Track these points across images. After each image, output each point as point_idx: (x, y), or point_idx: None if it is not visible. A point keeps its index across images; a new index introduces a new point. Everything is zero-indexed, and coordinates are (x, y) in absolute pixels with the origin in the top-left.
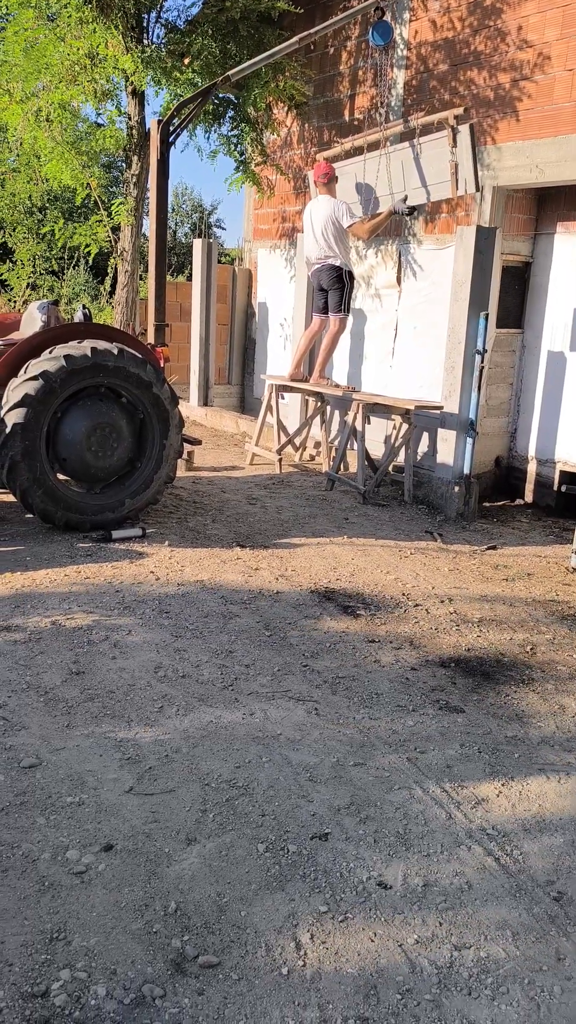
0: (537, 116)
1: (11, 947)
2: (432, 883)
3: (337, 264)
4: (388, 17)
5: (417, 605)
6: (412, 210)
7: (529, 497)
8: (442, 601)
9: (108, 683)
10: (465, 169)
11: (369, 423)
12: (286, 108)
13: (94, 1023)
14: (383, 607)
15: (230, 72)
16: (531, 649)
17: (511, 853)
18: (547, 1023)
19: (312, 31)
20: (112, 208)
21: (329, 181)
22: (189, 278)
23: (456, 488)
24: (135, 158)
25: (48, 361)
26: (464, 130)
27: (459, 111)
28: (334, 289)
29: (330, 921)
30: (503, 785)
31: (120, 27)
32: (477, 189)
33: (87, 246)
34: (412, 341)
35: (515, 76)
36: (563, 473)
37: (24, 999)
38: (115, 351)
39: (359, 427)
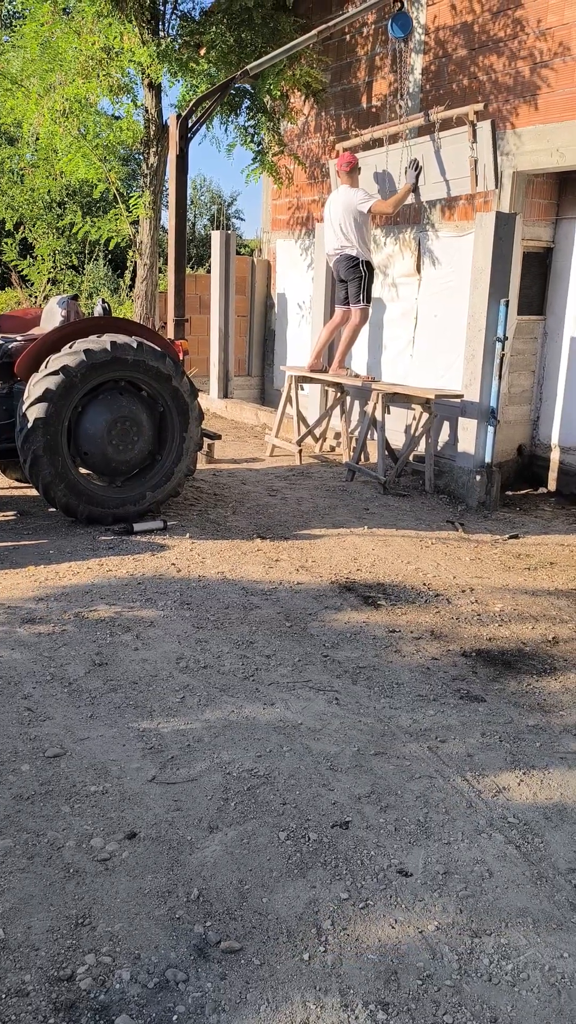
0: (558, 99)
1: (37, 932)
2: (453, 871)
3: (353, 254)
4: (406, 5)
5: (438, 595)
6: (418, 167)
7: (552, 485)
8: (463, 591)
9: (131, 674)
10: (485, 165)
11: (389, 413)
12: (303, 96)
13: (119, 1006)
14: (404, 597)
15: (249, 66)
16: (553, 638)
17: (532, 841)
18: (567, 1009)
19: (331, 24)
20: (130, 202)
21: (352, 171)
22: (209, 270)
23: (477, 477)
24: (152, 151)
25: (68, 356)
26: (484, 126)
27: (479, 106)
28: (352, 279)
29: (351, 908)
30: (524, 774)
31: (135, 20)
32: (497, 185)
33: (109, 239)
34: (432, 330)
35: (535, 60)
36: None
37: (51, 983)
38: (134, 345)
39: (379, 417)
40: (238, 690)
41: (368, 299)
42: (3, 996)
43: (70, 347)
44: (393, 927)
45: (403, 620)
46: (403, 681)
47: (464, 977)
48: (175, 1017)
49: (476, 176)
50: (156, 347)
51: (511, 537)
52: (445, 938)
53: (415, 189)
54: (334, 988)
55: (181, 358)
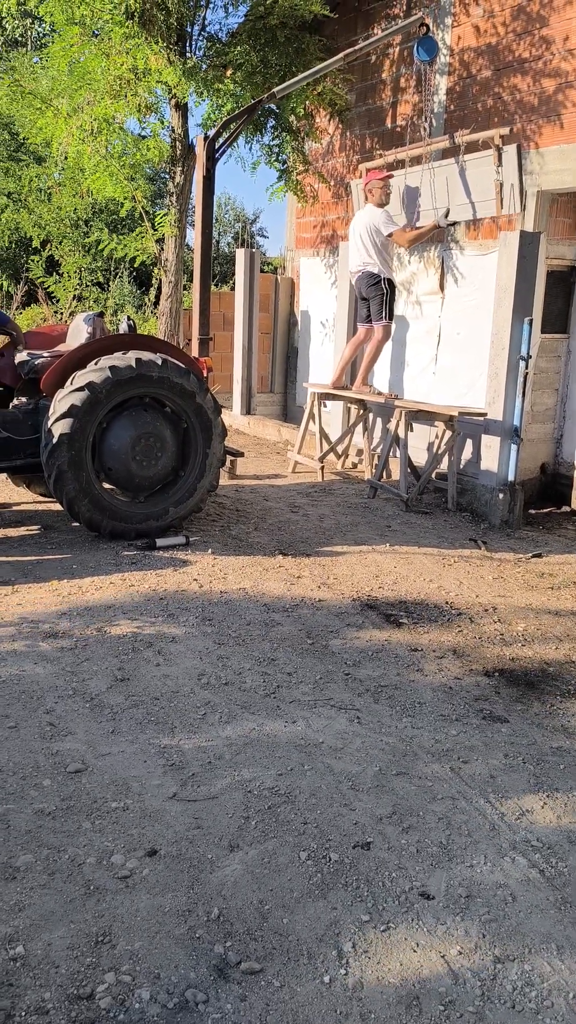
0: None
1: (58, 949)
2: (475, 894)
3: (375, 271)
4: (432, 28)
5: (461, 614)
6: (454, 223)
7: (575, 504)
8: (486, 610)
9: (152, 690)
10: (510, 188)
11: (412, 430)
12: (328, 115)
13: None
14: (426, 616)
15: (276, 89)
16: None
17: (556, 865)
18: None
19: (357, 48)
20: (156, 220)
21: (378, 190)
22: (232, 288)
23: (500, 495)
24: (178, 169)
25: (94, 372)
26: (510, 150)
27: (504, 130)
28: (374, 297)
29: (372, 930)
30: (548, 796)
31: (162, 41)
32: (522, 208)
33: (134, 257)
34: (455, 347)
35: (560, 80)
36: None
37: (70, 1001)
38: (159, 362)
39: (402, 434)
40: (259, 707)
41: (390, 316)
42: (23, 1014)
43: (95, 364)
44: (415, 951)
45: (425, 639)
46: (425, 700)
47: (487, 1003)
48: None
49: (502, 199)
50: (180, 364)
51: (534, 556)
52: (468, 963)
53: (437, 228)
54: (355, 1012)
55: (205, 375)
